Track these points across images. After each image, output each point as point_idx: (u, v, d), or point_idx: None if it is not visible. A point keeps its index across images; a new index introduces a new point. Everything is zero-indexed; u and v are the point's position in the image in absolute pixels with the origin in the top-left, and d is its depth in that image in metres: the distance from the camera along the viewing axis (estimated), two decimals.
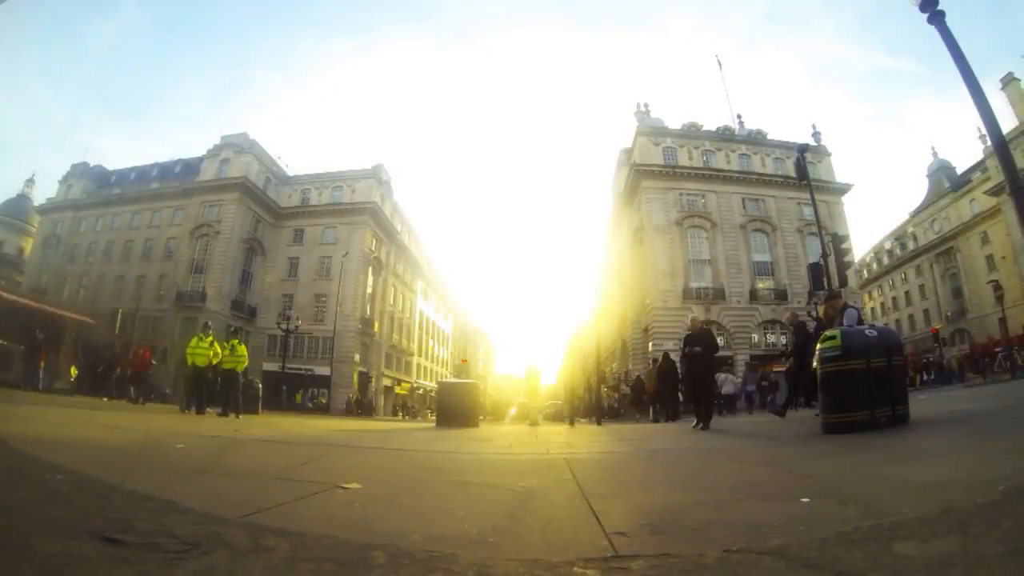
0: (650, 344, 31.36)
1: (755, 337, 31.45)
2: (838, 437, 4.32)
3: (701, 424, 7.53)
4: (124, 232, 38.81)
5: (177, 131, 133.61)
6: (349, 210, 39.04)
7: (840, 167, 46.07)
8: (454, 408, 9.98)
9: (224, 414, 9.76)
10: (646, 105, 37.64)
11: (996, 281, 31.45)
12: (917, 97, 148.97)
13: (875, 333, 4.86)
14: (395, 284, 44.78)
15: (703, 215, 33.66)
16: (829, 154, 36.49)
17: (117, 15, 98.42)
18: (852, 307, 6.31)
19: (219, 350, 10.29)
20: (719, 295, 31.80)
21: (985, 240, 39.40)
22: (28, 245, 44.56)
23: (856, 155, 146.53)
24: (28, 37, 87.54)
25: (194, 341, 10.12)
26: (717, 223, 33.34)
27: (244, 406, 10.73)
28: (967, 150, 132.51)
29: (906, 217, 50.50)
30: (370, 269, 39.13)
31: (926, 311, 45.79)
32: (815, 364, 5.01)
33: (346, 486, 2.46)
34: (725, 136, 36.86)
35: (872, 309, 51.73)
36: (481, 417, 12.35)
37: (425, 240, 54.19)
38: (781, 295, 31.97)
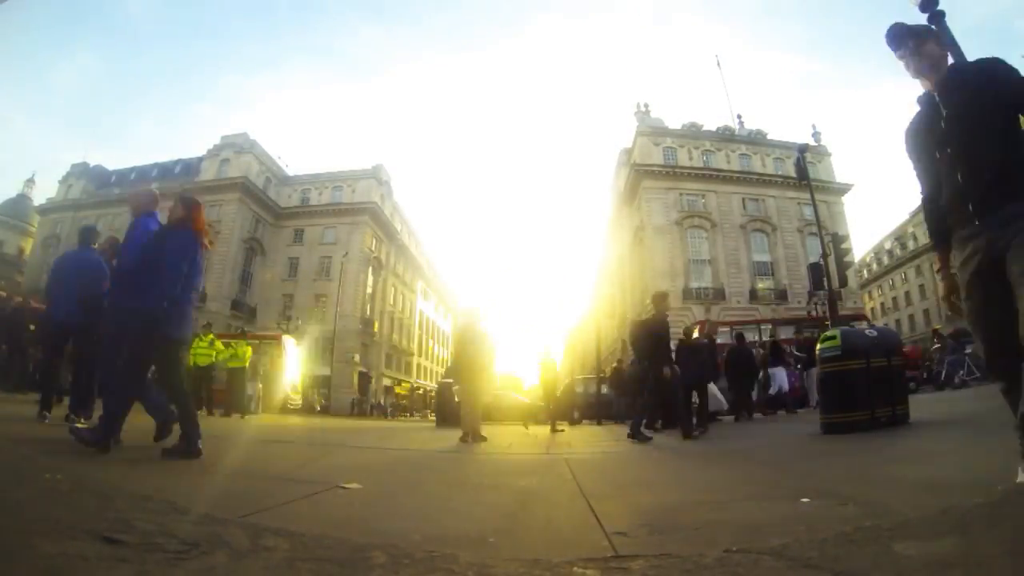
0: None
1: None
2: (838, 437, 4.32)
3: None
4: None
5: (177, 132, 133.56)
6: (349, 210, 39.02)
7: (840, 167, 46.07)
8: (454, 408, 9.98)
9: (227, 414, 9.78)
10: (646, 105, 37.67)
11: None
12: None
13: (875, 333, 4.87)
14: (395, 284, 44.77)
15: (703, 215, 33.65)
16: (829, 154, 36.49)
17: (118, 14, 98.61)
18: None
19: (221, 347, 10.30)
20: (719, 295, 31.77)
21: None
22: (28, 245, 44.52)
23: (856, 155, 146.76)
24: (26, 40, 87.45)
25: (195, 341, 10.13)
26: (717, 223, 33.32)
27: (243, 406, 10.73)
28: None
29: (906, 217, 50.52)
30: (370, 269, 39.12)
31: (926, 311, 45.78)
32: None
33: (346, 486, 2.46)
34: (725, 136, 36.86)
35: (872, 309, 51.72)
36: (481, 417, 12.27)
37: (425, 240, 54.23)
38: (781, 295, 31.93)
